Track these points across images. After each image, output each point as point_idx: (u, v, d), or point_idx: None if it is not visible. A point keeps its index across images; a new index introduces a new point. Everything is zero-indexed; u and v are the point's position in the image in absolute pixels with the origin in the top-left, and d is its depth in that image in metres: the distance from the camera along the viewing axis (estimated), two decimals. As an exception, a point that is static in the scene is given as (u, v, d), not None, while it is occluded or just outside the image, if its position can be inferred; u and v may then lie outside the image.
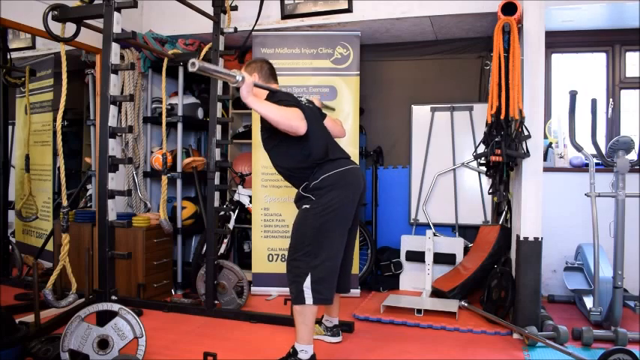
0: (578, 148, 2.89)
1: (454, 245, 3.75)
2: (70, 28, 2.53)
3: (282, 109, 2.21)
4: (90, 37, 2.87)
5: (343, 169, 2.39)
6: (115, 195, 2.37)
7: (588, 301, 3.05)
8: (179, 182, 3.82)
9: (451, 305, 3.17)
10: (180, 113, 3.83)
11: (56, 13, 2.42)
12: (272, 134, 2.37)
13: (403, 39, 4.04)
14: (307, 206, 2.35)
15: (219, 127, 3.25)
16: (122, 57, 3.62)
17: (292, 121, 2.19)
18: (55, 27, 2.46)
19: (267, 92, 2.45)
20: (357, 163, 3.66)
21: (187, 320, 3.09)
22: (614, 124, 3.79)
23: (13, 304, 3.07)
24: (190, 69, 1.95)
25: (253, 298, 3.52)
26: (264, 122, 2.35)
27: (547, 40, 2.85)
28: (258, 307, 3.33)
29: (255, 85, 2.30)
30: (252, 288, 3.61)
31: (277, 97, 2.36)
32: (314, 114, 2.52)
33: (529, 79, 2.82)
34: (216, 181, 3.22)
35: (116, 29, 2.35)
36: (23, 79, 3.38)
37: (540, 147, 2.82)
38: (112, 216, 2.37)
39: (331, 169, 2.35)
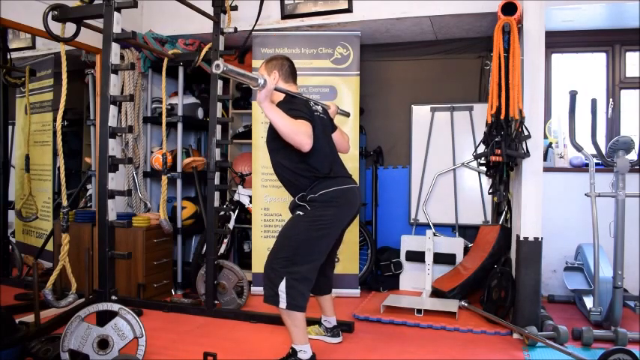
0: (578, 148, 2.89)
1: (454, 245, 3.75)
2: (70, 28, 2.53)
3: (291, 122, 2.19)
4: (90, 37, 2.87)
5: (344, 187, 2.38)
6: (115, 195, 2.38)
7: (588, 301, 3.05)
8: (179, 182, 3.82)
9: (451, 305, 3.17)
10: (180, 113, 3.83)
11: (56, 13, 2.42)
12: (279, 136, 2.31)
13: (403, 39, 4.04)
14: (301, 213, 2.34)
15: (219, 127, 3.25)
16: (122, 57, 3.62)
17: (298, 135, 2.18)
18: (55, 27, 2.46)
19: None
20: (357, 164, 3.68)
21: (187, 320, 3.10)
22: (614, 124, 3.79)
23: (13, 304, 3.07)
24: (215, 70, 1.97)
25: (253, 298, 3.52)
26: None
27: (547, 40, 2.85)
28: (258, 307, 3.32)
29: (275, 89, 2.31)
30: (252, 288, 3.60)
31: (293, 105, 2.32)
32: (325, 127, 2.50)
33: (529, 79, 2.83)
34: (216, 181, 3.22)
35: (116, 29, 2.36)
36: (23, 79, 3.38)
37: (540, 147, 2.82)
38: (112, 216, 2.37)
39: (331, 186, 2.34)
